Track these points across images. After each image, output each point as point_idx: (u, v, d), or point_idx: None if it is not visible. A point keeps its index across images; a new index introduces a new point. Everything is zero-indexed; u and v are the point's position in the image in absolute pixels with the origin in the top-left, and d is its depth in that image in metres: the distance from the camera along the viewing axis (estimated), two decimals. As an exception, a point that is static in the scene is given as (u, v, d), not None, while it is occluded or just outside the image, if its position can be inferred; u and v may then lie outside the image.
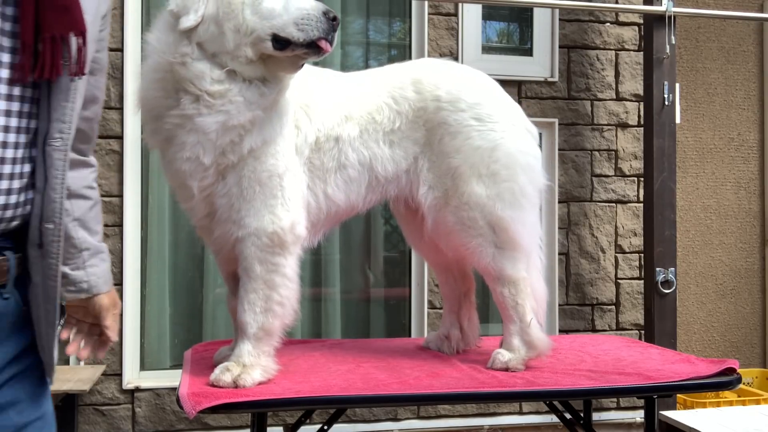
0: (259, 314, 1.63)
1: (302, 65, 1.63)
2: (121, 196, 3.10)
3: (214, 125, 1.56)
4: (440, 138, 1.81)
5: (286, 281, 1.65)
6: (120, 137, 3.10)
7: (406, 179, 1.84)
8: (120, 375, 3.08)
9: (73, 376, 2.80)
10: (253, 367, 1.61)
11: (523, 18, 3.68)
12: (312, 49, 1.56)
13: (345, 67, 3.44)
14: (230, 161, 1.61)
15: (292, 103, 1.70)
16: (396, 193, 1.87)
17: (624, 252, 3.63)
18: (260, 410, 1.61)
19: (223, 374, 1.59)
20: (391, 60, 3.58)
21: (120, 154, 3.10)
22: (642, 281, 3.55)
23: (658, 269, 3.27)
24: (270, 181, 1.63)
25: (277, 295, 1.64)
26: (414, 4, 3.45)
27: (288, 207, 1.65)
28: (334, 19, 1.55)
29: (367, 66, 3.56)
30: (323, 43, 1.55)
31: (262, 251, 1.63)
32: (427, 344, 2.10)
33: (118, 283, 3.06)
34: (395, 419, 3.31)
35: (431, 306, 3.39)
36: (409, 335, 3.40)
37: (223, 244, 1.70)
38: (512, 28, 3.81)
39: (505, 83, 2.01)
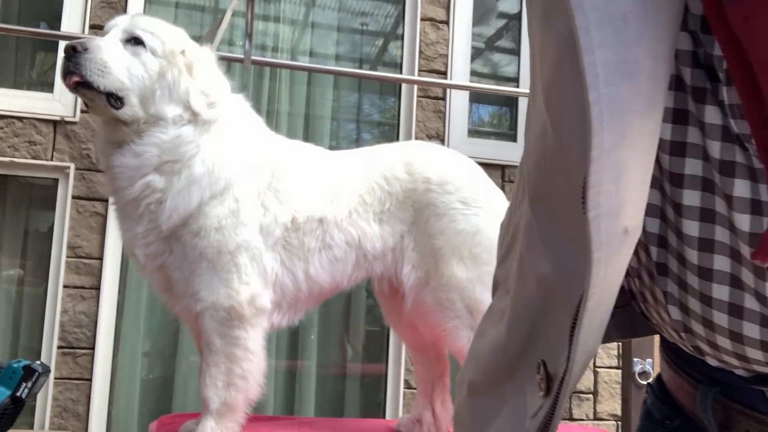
0: (221, 389, 1.60)
1: (105, 107, 1.59)
2: (101, 258, 3.08)
3: (128, 195, 1.61)
4: (426, 218, 1.82)
5: (248, 354, 1.62)
6: (105, 200, 3.10)
7: (392, 257, 1.84)
8: (84, 443, 2.98)
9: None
10: (215, 444, 1.57)
11: (510, 103, 3.79)
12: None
13: (337, 138, 3.53)
14: (165, 229, 1.60)
15: (247, 179, 1.68)
16: (381, 271, 1.85)
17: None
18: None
19: (184, 450, 1.55)
20: (382, 135, 3.66)
21: (104, 216, 3.10)
22: (620, 371, 3.51)
23: (635, 359, 3.25)
24: (219, 257, 1.61)
25: (239, 368, 1.61)
26: (404, 86, 3.55)
27: (246, 280, 1.63)
28: (66, 50, 1.54)
29: (359, 137, 3.64)
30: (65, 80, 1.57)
31: (220, 325, 1.60)
32: (399, 427, 2.05)
33: (90, 347, 3.00)
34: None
35: (407, 386, 3.33)
36: (384, 415, 3.32)
37: (186, 318, 1.69)
38: (499, 112, 3.91)
39: (489, 167, 2.05)
